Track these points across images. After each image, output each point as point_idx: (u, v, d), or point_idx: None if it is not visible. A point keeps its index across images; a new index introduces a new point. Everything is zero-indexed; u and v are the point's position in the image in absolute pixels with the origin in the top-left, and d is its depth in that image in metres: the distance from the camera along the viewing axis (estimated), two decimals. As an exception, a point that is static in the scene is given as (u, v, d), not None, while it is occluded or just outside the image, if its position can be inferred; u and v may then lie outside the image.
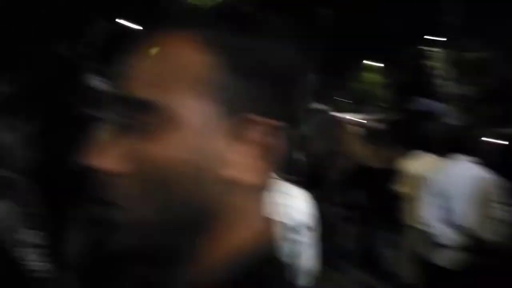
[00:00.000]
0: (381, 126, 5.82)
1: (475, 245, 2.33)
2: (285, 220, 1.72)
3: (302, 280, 1.82)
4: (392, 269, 4.43)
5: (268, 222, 0.42)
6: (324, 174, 4.93)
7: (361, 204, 5.34)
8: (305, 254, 1.79)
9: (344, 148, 4.85)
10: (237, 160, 0.37)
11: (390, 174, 4.37)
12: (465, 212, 2.41)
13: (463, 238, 2.40)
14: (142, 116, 0.36)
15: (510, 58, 16.08)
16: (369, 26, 14.87)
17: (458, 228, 2.42)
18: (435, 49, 12.92)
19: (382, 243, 5.16)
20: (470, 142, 2.65)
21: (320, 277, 1.94)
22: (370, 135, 5.56)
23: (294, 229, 1.74)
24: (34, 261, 1.39)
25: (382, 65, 17.90)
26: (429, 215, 2.53)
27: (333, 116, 5.14)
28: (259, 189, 0.40)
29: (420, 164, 3.56)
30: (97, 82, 2.59)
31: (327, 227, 4.22)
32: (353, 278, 4.46)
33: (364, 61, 17.50)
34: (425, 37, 13.87)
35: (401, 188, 3.76)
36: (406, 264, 3.59)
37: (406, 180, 3.70)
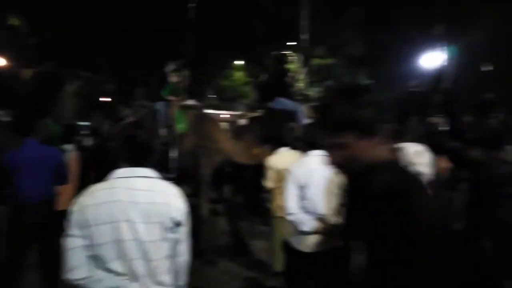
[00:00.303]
0: (247, 123, 6.10)
1: (330, 230, 2.66)
2: (163, 219, 1.71)
3: (178, 276, 1.83)
4: (262, 258, 4.73)
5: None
6: (196, 170, 4.92)
7: (231, 198, 5.55)
8: (180, 250, 1.82)
9: (215, 145, 4.91)
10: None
11: (258, 169, 4.65)
12: (319, 200, 2.72)
13: (321, 224, 2.69)
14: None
15: (348, 64, 19.00)
16: (235, 26, 15.49)
17: (316, 215, 2.71)
18: (294, 53, 14.22)
19: (252, 234, 5.48)
20: (321, 139, 2.96)
21: (192, 271, 1.97)
22: (238, 131, 5.80)
23: (171, 228, 1.75)
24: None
25: (246, 63, 18.83)
26: (292, 205, 2.75)
27: (204, 113, 5.15)
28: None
29: (284, 160, 3.87)
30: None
31: (198, 222, 4.26)
32: (224, 269, 4.58)
33: (231, 60, 18.10)
34: (287, 41, 15.15)
35: (268, 182, 4.05)
36: (275, 252, 3.87)
37: (272, 175, 3.99)
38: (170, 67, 5.52)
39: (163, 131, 4.80)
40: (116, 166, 1.78)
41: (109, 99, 7.95)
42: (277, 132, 4.42)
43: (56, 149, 3.74)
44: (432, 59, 11.85)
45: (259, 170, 4.55)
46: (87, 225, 1.64)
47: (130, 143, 1.78)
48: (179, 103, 5.01)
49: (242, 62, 18.94)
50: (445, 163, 3.98)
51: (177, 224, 1.77)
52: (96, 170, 4.41)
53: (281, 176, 3.70)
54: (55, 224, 3.16)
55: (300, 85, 18.69)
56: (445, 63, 7.83)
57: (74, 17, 11.80)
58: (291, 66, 14.39)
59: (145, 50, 13.40)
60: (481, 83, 10.47)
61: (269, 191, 4.16)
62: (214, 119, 5.51)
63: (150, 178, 1.77)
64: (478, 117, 8.62)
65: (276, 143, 4.22)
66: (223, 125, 6.45)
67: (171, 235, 1.76)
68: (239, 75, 19.15)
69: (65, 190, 3.75)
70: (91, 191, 1.73)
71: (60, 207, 3.44)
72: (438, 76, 7.75)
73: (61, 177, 3.61)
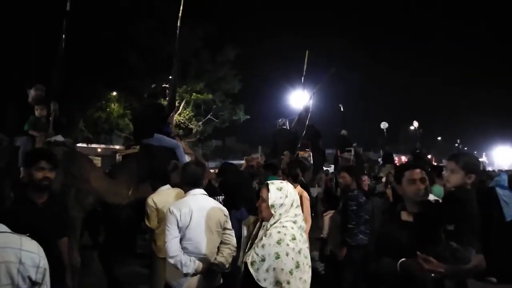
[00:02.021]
0: (123, 160, 5.77)
1: (212, 270, 2.68)
2: (15, 280, 1.51)
3: None
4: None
5: None
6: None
7: (106, 241, 5.10)
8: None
9: (85, 185, 4.48)
10: None
11: (134, 209, 4.41)
12: (201, 240, 2.71)
13: (203, 264, 2.67)
14: None
15: (226, 100, 19.94)
16: (109, 57, 14.82)
17: (197, 255, 2.68)
18: (169, 86, 14.22)
19: (132, 277, 5.08)
20: (201, 177, 3.01)
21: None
22: (113, 169, 5.43)
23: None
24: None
25: (122, 95, 18.02)
26: (173, 247, 2.65)
27: (73, 150, 4.69)
28: None
29: (164, 198, 3.79)
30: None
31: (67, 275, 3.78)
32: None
33: (105, 91, 17.08)
34: (163, 75, 15.08)
35: (149, 222, 3.87)
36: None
37: (152, 214, 3.83)
38: (33, 95, 4.96)
39: (23, 170, 4.21)
40: None
41: None
42: (157, 169, 4.30)
43: None
44: (299, 98, 13.29)
45: (136, 209, 4.33)
46: None
47: None
48: (44, 138, 4.49)
49: (116, 94, 18.04)
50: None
51: (34, 284, 1.56)
52: None
53: (162, 215, 3.60)
54: None
55: (182, 118, 18.73)
56: (310, 103, 8.84)
57: None
58: (168, 99, 14.39)
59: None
60: (340, 121, 12.17)
61: (150, 232, 3.98)
62: (85, 156, 5.06)
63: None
64: (338, 150, 9.97)
65: (156, 181, 4.10)
66: (96, 160, 5.97)
67: None
68: (114, 107, 18.13)
69: None
70: None
71: None
72: (303, 114, 8.68)
73: None
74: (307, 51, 9.06)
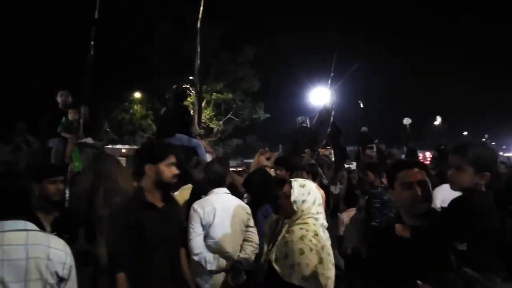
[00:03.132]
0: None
1: (235, 267, 2.73)
2: (44, 276, 1.60)
3: None
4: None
5: None
6: (92, 212, 4.57)
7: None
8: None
9: (113, 185, 4.64)
10: None
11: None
12: (224, 238, 2.77)
13: (227, 262, 2.74)
14: None
15: (245, 99, 20.03)
16: (132, 59, 15.18)
17: (220, 253, 2.76)
18: (192, 87, 14.42)
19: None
20: (224, 176, 3.06)
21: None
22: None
23: (55, 285, 1.64)
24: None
25: (145, 96, 18.40)
26: (197, 245, 2.72)
27: (102, 151, 4.87)
28: None
29: (185, 197, 3.84)
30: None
31: (96, 272, 3.93)
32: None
33: (128, 93, 17.50)
34: (185, 76, 15.31)
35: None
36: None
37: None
38: (60, 101, 5.19)
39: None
40: None
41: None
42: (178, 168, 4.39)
43: None
44: (320, 95, 13.22)
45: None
46: None
47: (1, 196, 1.63)
48: (75, 140, 4.71)
49: (139, 95, 18.45)
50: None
51: (61, 280, 1.64)
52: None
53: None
54: None
55: (202, 118, 18.95)
56: (331, 100, 8.79)
57: None
58: (190, 101, 14.60)
59: (29, 81, 12.23)
60: (359, 117, 12.05)
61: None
62: (113, 157, 5.23)
63: (27, 231, 1.62)
64: (360, 147, 9.87)
65: (179, 180, 4.19)
66: (121, 160, 6.16)
67: None
68: (137, 108, 18.55)
69: None
70: None
71: None
72: (323, 111, 8.63)
73: None
74: (335, 54, 9.00)
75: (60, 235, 1.84)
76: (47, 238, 1.66)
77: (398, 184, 1.75)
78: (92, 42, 5.08)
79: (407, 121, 21.25)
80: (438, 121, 24.58)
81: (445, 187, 3.90)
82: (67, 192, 4.28)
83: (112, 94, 15.14)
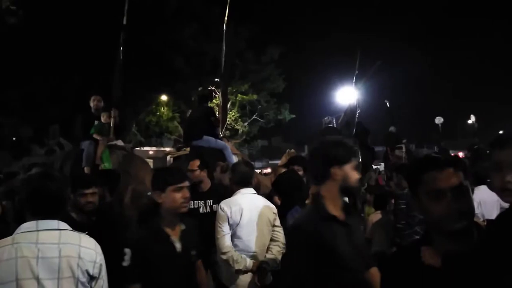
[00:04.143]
0: (174, 161, 6.00)
1: (262, 267, 2.72)
2: (76, 273, 1.64)
3: None
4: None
5: None
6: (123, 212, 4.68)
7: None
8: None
9: (141, 186, 4.74)
10: None
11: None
12: (251, 237, 2.78)
13: (254, 261, 2.74)
14: None
15: (270, 100, 20.02)
16: (157, 61, 15.49)
17: (247, 252, 2.76)
18: (218, 89, 14.57)
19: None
20: (250, 176, 3.07)
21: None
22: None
23: (86, 283, 1.68)
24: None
25: (171, 99, 18.74)
26: (224, 244, 2.74)
27: (132, 153, 5.00)
28: None
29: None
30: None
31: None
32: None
33: (155, 95, 17.86)
34: (210, 77, 15.50)
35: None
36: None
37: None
38: (92, 106, 5.36)
39: (87, 170, 4.60)
40: (24, 219, 1.67)
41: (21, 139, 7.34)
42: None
43: None
44: (346, 95, 13.02)
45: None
46: None
47: (36, 196, 1.68)
48: (106, 142, 4.87)
49: (165, 98, 18.81)
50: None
51: (92, 278, 1.68)
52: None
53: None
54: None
55: (228, 120, 19.10)
56: (357, 99, 8.64)
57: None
58: (215, 102, 14.74)
59: (62, 86, 12.72)
60: (386, 117, 11.75)
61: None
62: (141, 159, 5.37)
63: (59, 230, 1.67)
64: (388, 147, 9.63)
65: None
66: (149, 162, 6.29)
67: None
68: (164, 111, 18.91)
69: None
70: None
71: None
72: (350, 110, 8.49)
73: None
74: (358, 51, 8.85)
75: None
76: (78, 238, 1.71)
77: (423, 191, 1.20)
78: (121, 48, 5.22)
79: (439, 120, 20.59)
80: (471, 119, 23.69)
81: (482, 189, 3.71)
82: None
83: (140, 97, 15.50)
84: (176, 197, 2.09)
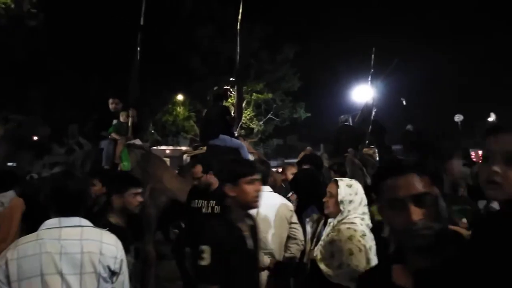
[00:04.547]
0: (191, 160, 6.06)
1: (280, 265, 2.73)
2: (97, 269, 1.68)
3: None
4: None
5: None
6: (141, 211, 4.75)
7: (179, 239, 5.38)
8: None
9: (160, 184, 4.81)
10: None
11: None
12: (268, 235, 2.77)
13: (270, 259, 2.75)
14: None
15: (286, 99, 19.96)
16: (173, 61, 15.65)
17: (264, 250, 2.71)
18: (233, 89, 14.60)
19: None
20: (266, 175, 3.08)
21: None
22: (183, 169, 5.74)
23: (107, 278, 1.71)
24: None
25: (187, 98, 18.91)
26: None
27: (150, 152, 5.07)
28: None
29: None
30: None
31: (144, 266, 4.08)
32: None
33: (171, 95, 18.05)
34: (225, 77, 15.54)
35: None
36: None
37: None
38: (111, 108, 5.47)
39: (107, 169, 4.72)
40: (47, 216, 1.72)
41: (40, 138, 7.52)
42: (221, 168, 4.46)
43: None
44: (362, 93, 12.89)
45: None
46: (11, 280, 1.56)
47: (59, 194, 1.73)
48: (125, 141, 4.96)
49: (181, 97, 18.98)
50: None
51: (113, 273, 1.72)
52: (26, 221, 4.07)
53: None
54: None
55: (243, 119, 19.14)
56: (373, 97, 8.51)
57: (3, 50, 11.19)
58: (231, 102, 14.79)
59: (81, 86, 13.01)
60: (403, 115, 11.57)
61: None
62: (159, 158, 5.44)
63: (81, 227, 1.72)
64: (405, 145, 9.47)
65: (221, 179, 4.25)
66: (166, 161, 6.36)
67: (106, 285, 1.71)
68: (180, 110, 19.10)
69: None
70: (16, 244, 1.65)
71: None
72: (366, 109, 8.37)
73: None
74: (373, 49, 8.72)
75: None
76: (100, 234, 1.76)
77: (384, 200, 1.08)
78: (139, 48, 5.29)
79: (458, 118, 20.09)
80: (492, 117, 23.06)
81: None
82: None
83: (156, 96, 15.69)
84: (250, 190, 1.91)
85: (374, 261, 2.04)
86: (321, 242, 2.18)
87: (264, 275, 2.75)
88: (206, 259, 1.78)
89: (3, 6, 10.49)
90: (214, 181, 3.53)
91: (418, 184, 1.03)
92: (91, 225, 1.77)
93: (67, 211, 1.72)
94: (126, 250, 2.06)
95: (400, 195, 1.03)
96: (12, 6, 10.64)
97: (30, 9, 11.13)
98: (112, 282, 1.72)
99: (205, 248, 1.79)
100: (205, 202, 3.48)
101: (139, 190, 2.50)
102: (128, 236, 2.28)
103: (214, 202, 3.44)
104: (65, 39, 12.37)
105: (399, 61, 8.91)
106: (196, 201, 3.57)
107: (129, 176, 2.67)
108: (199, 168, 3.54)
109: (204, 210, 3.45)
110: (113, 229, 2.06)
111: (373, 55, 8.76)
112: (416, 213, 0.99)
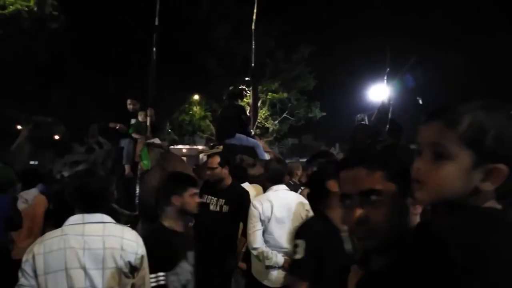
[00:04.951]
0: (205, 158, 6.13)
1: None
2: (118, 264, 1.73)
3: None
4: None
5: None
6: (158, 207, 4.84)
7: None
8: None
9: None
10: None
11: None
12: (282, 234, 2.81)
13: (285, 258, 2.76)
14: None
15: (301, 98, 19.87)
16: (189, 61, 15.79)
17: (278, 249, 2.79)
18: (248, 88, 14.65)
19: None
20: (283, 174, 3.10)
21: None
22: (200, 168, 5.80)
23: (128, 273, 1.76)
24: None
25: (203, 98, 19.07)
26: (256, 239, 2.80)
27: (169, 151, 5.17)
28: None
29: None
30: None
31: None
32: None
33: (187, 94, 18.23)
34: (241, 76, 15.61)
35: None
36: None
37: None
38: (129, 109, 5.59)
39: (128, 167, 4.82)
40: (72, 213, 1.78)
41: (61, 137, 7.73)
42: (238, 167, 4.51)
43: (7, 197, 3.56)
44: (378, 92, 12.72)
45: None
46: (38, 274, 1.63)
47: (82, 192, 1.79)
48: (144, 140, 5.07)
49: (197, 97, 19.16)
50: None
51: (134, 269, 1.77)
52: (53, 217, 4.22)
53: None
54: (9, 274, 2.98)
55: (258, 118, 19.18)
56: (390, 96, 8.40)
57: (26, 52, 11.53)
58: (246, 101, 14.84)
59: (100, 86, 13.28)
60: (419, 114, 11.38)
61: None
62: (178, 157, 5.54)
63: (103, 223, 1.78)
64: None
65: (238, 178, 4.28)
66: (187, 160, 6.45)
67: (127, 280, 1.76)
68: (196, 110, 19.28)
69: (18, 238, 3.56)
70: (42, 239, 1.72)
71: (17, 256, 3.26)
72: (383, 107, 8.29)
73: (13, 224, 3.46)
74: (388, 47, 8.62)
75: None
76: (121, 230, 1.81)
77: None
78: (154, 49, 5.39)
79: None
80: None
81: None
82: (137, 188, 4.59)
83: (173, 96, 15.87)
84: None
85: None
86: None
87: (279, 273, 2.78)
88: (299, 253, 1.75)
89: (26, 9, 10.81)
90: (227, 176, 3.39)
91: (368, 180, 0.90)
92: (113, 221, 1.83)
93: (89, 208, 1.78)
94: (184, 256, 2.11)
95: (345, 191, 0.93)
96: (35, 9, 10.95)
97: (51, 11, 11.44)
98: (133, 277, 1.77)
99: (300, 242, 1.76)
100: (215, 199, 3.34)
101: (197, 190, 2.37)
102: (186, 241, 2.24)
103: (223, 200, 3.30)
104: (84, 41, 12.67)
105: (416, 61, 8.78)
106: (206, 196, 3.39)
107: (186, 176, 2.52)
108: (216, 159, 3.34)
109: (212, 207, 3.32)
110: (169, 234, 2.07)
111: (388, 55, 8.66)
112: (360, 212, 0.89)
